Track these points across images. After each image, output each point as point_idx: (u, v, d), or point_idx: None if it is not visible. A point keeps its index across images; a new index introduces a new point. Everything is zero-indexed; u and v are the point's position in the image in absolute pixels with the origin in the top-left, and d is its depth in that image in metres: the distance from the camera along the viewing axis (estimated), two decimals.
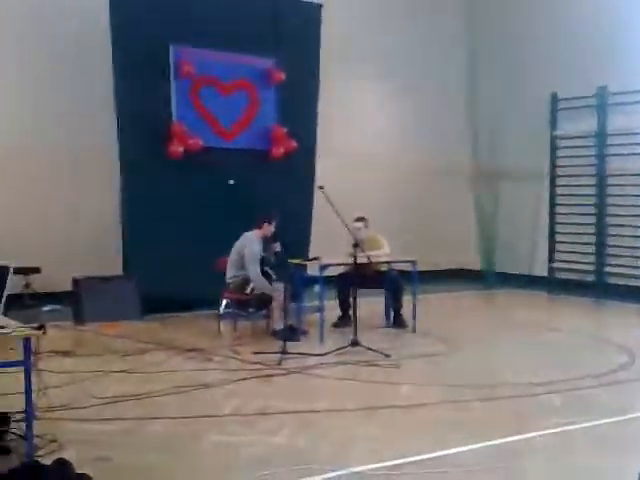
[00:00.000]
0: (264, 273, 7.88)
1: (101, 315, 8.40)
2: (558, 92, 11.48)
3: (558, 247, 11.64)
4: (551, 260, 11.66)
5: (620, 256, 10.76)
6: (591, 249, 11.10)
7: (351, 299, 7.66)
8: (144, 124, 8.95)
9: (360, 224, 8.43)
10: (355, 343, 7.00)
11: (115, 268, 9.18)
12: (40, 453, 4.13)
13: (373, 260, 7.70)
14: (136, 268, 8.98)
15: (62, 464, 3.73)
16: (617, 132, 10.81)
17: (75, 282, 8.74)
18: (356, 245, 7.25)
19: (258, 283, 7.69)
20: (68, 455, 4.00)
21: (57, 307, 9.14)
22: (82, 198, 9.77)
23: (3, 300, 4.29)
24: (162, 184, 9.10)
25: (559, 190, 11.64)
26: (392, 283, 8.48)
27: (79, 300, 8.61)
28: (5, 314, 4.42)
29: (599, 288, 10.83)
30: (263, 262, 7.93)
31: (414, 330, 8.17)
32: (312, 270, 8.21)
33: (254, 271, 7.68)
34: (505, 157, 12.04)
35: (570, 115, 11.40)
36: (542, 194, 11.78)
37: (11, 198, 9.34)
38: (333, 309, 8.39)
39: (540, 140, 11.68)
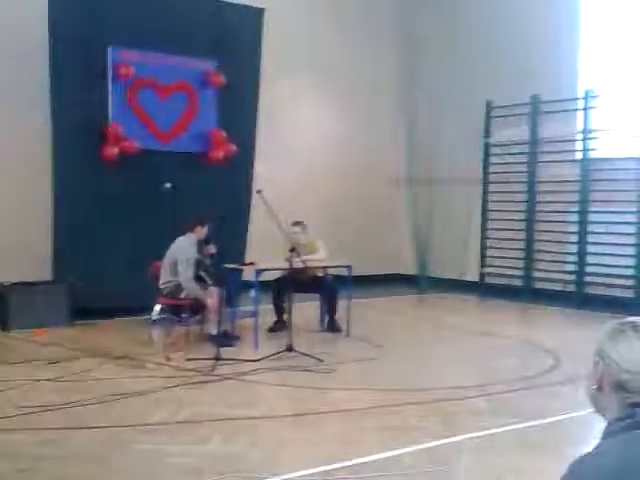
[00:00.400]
0: (199, 277, 7.81)
1: (28, 322, 8.17)
2: (493, 100, 11.71)
3: (490, 252, 11.87)
4: (483, 265, 11.89)
5: (547, 261, 11.05)
6: (521, 254, 11.36)
7: (286, 304, 7.66)
8: (79, 126, 8.80)
9: (297, 228, 8.45)
10: (290, 348, 7.00)
11: (45, 273, 8.97)
12: None
13: (309, 265, 7.72)
14: (67, 273, 8.78)
15: None
16: (548, 139, 11.10)
17: (1, 287, 8.48)
18: (292, 250, 7.25)
19: (189, 288, 7.62)
20: None
21: None
22: (12, 200, 9.49)
23: None
24: (96, 187, 8.93)
25: (491, 197, 11.88)
26: (327, 288, 8.52)
27: (5, 306, 8.35)
28: None
29: (527, 293, 11.09)
30: (199, 265, 7.87)
31: (348, 335, 8.22)
32: (248, 275, 8.17)
33: (186, 276, 7.61)
34: (440, 163, 12.20)
35: (504, 122, 11.65)
36: (475, 200, 12.00)
37: None
38: (268, 314, 8.37)
39: (474, 147, 11.89)
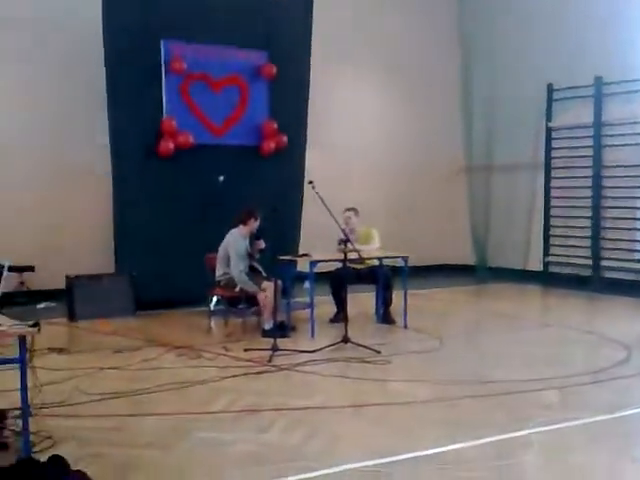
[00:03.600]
0: (253, 269, 7.84)
1: (94, 312, 8.41)
2: (554, 83, 11.41)
3: (553, 241, 11.61)
4: (546, 254, 11.62)
5: (616, 249, 10.72)
6: (587, 242, 11.05)
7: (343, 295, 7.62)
8: (135, 121, 8.93)
9: (350, 213, 8.48)
10: (346, 340, 6.97)
11: (108, 266, 9.18)
12: (36, 449, 4.14)
13: (363, 256, 7.64)
14: (129, 266, 8.95)
15: (58, 460, 3.72)
16: (612, 122, 10.78)
17: (68, 280, 8.70)
18: (345, 241, 7.19)
19: (241, 282, 7.68)
20: (62, 451, 3.99)
21: (51, 304, 9.16)
22: (76, 197, 9.81)
23: None
24: (153, 181, 9.11)
25: (554, 182, 11.60)
26: (383, 279, 8.45)
27: (72, 298, 8.58)
28: (0, 311, 4.45)
29: (595, 282, 10.78)
30: (250, 258, 7.89)
31: (405, 326, 8.13)
32: (302, 266, 8.18)
33: (236, 269, 7.67)
34: (500, 149, 12.01)
35: (566, 106, 11.35)
36: (537, 186, 11.75)
37: (7, 197, 9.36)
38: (323, 305, 8.34)
39: (535, 131, 11.63)
